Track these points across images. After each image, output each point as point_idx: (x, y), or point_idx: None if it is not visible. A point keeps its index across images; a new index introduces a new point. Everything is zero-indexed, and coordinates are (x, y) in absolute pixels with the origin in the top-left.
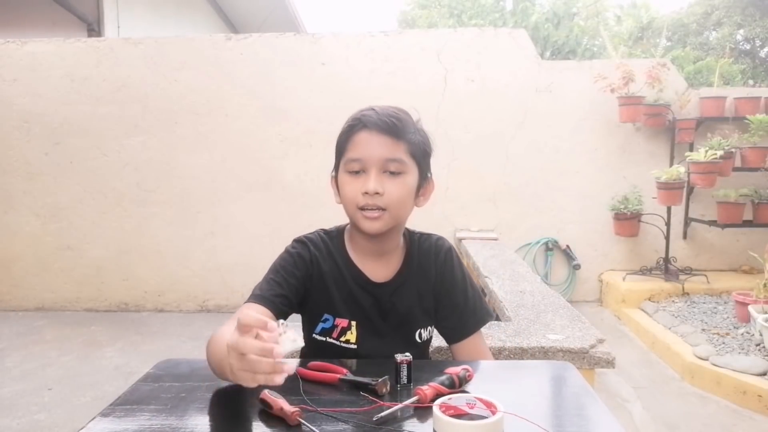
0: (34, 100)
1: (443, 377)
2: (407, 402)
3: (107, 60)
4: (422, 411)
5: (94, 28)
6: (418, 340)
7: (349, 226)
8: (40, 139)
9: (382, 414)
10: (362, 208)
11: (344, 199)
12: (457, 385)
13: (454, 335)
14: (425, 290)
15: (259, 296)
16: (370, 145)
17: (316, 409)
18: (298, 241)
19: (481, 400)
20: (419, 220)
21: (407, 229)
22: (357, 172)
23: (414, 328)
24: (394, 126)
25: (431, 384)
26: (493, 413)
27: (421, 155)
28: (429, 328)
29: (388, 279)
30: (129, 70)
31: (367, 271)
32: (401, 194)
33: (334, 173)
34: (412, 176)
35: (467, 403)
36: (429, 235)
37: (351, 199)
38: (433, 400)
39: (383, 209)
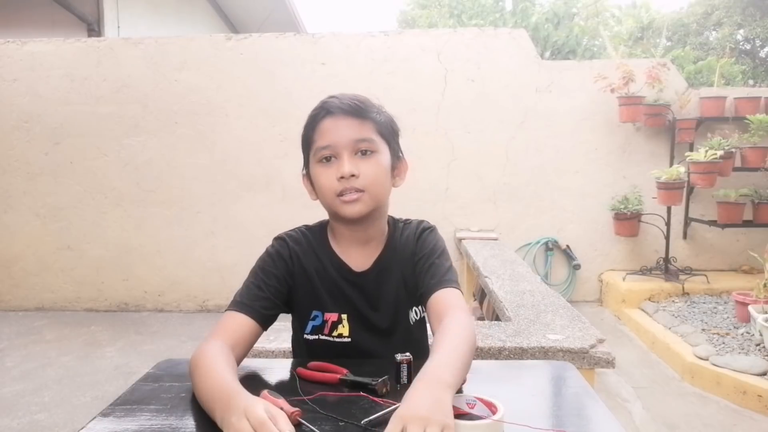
0: (34, 100)
1: None
2: (399, 404)
3: (107, 60)
4: None
5: (94, 28)
6: (411, 323)
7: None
8: (40, 139)
9: (371, 417)
10: (340, 194)
11: (320, 189)
12: None
13: (424, 298)
14: (408, 270)
15: (239, 303)
16: (338, 129)
17: (316, 409)
18: (278, 239)
19: (481, 400)
20: None
21: (391, 217)
22: (329, 160)
23: (405, 312)
24: (357, 107)
25: None
26: (494, 413)
27: (390, 134)
28: (416, 308)
29: (369, 267)
30: (129, 70)
31: (350, 262)
32: (377, 173)
33: (304, 171)
34: (384, 155)
35: (467, 403)
36: (412, 220)
37: (328, 188)
38: None
39: (361, 191)
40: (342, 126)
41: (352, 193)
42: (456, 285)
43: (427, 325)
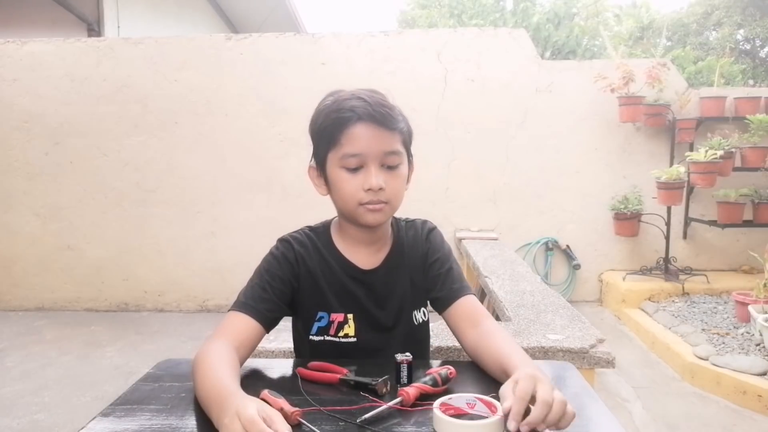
0: (34, 100)
1: (426, 377)
2: (391, 403)
3: (107, 60)
4: (406, 411)
5: (94, 28)
6: (415, 323)
7: (336, 219)
8: (40, 139)
9: (366, 416)
10: (364, 203)
11: (342, 195)
12: (440, 383)
13: (444, 301)
14: (416, 270)
15: (243, 304)
16: (368, 140)
17: (318, 408)
18: (282, 241)
19: (481, 399)
20: None
21: (392, 216)
22: (356, 169)
23: (410, 311)
24: (388, 116)
25: (414, 384)
26: (493, 413)
27: (409, 142)
28: (423, 309)
29: (378, 264)
30: (129, 70)
31: (357, 261)
32: (399, 186)
33: (312, 163)
34: (405, 165)
35: (467, 403)
36: (414, 219)
37: (352, 196)
38: (416, 400)
39: (385, 203)
40: (373, 136)
41: (377, 203)
42: (473, 291)
43: (430, 328)
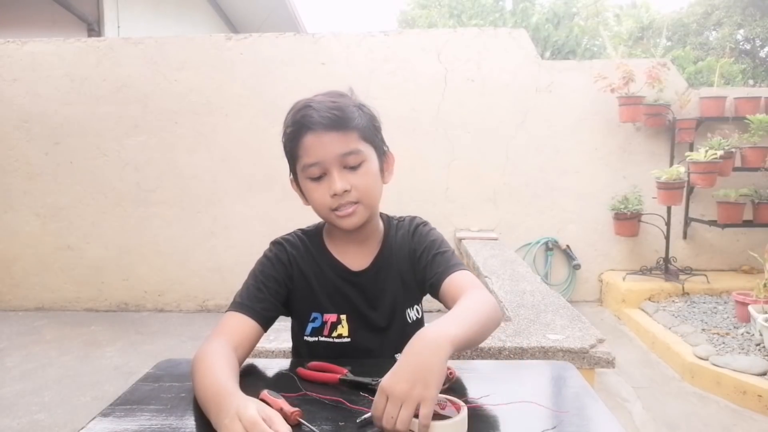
0: (34, 100)
1: None
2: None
3: (107, 60)
4: None
5: (94, 28)
6: (409, 321)
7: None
8: (40, 139)
9: (366, 416)
10: (335, 209)
11: (315, 205)
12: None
13: (435, 288)
14: (405, 268)
15: (240, 304)
16: (322, 146)
17: (316, 409)
18: (275, 243)
19: (450, 400)
20: None
21: (385, 215)
22: (319, 178)
23: (403, 310)
24: (337, 119)
25: None
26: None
27: (373, 135)
28: (416, 306)
29: (368, 266)
30: (129, 70)
31: (348, 262)
32: (368, 183)
33: (291, 176)
34: (372, 161)
35: (439, 404)
36: (404, 217)
37: (322, 204)
38: None
39: (356, 202)
40: (326, 142)
41: (348, 207)
42: (465, 267)
43: (426, 325)
